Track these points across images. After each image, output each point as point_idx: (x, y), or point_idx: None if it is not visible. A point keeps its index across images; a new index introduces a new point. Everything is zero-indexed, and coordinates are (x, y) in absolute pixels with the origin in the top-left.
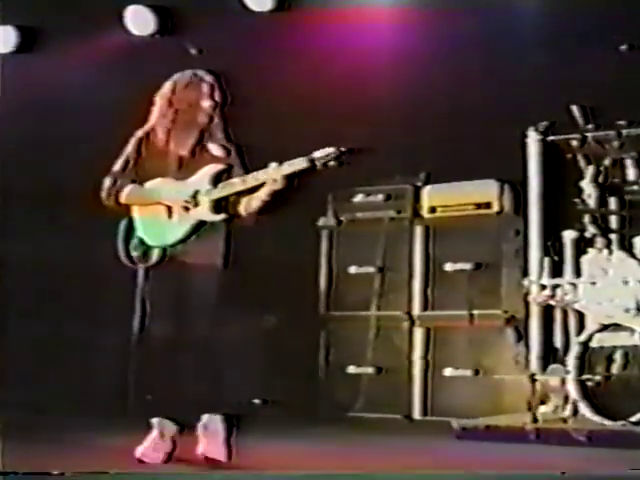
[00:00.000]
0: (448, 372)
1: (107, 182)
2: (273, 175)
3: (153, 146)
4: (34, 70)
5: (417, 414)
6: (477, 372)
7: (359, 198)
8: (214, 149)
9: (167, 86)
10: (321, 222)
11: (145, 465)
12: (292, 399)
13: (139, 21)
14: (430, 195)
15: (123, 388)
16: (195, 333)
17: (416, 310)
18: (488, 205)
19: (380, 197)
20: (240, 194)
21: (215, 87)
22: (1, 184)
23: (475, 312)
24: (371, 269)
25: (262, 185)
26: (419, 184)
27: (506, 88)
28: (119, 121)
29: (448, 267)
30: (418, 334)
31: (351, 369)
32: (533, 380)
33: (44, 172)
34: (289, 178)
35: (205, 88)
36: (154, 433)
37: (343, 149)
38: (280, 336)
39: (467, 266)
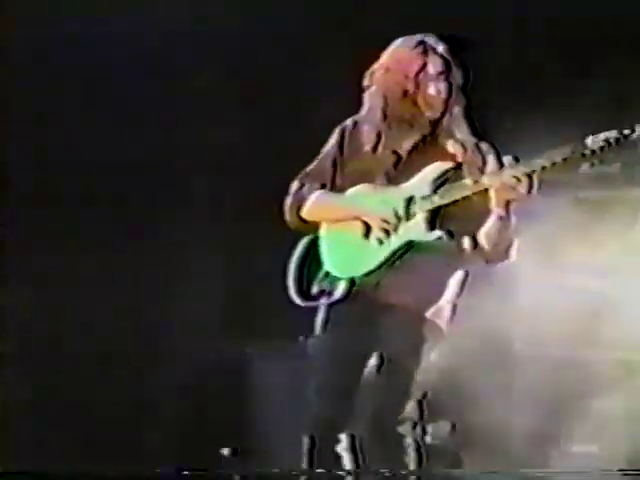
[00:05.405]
0: None
1: (294, 186)
2: (514, 174)
3: (359, 142)
4: None
5: None
6: None
7: None
8: (448, 144)
9: (379, 67)
10: None
11: None
12: None
13: None
14: None
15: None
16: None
17: None
18: None
19: None
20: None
21: (452, 63)
22: None
23: None
24: None
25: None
26: None
27: None
28: None
29: None
30: None
31: None
32: None
33: None
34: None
35: (437, 66)
36: None
37: (623, 132)
38: None
39: None
